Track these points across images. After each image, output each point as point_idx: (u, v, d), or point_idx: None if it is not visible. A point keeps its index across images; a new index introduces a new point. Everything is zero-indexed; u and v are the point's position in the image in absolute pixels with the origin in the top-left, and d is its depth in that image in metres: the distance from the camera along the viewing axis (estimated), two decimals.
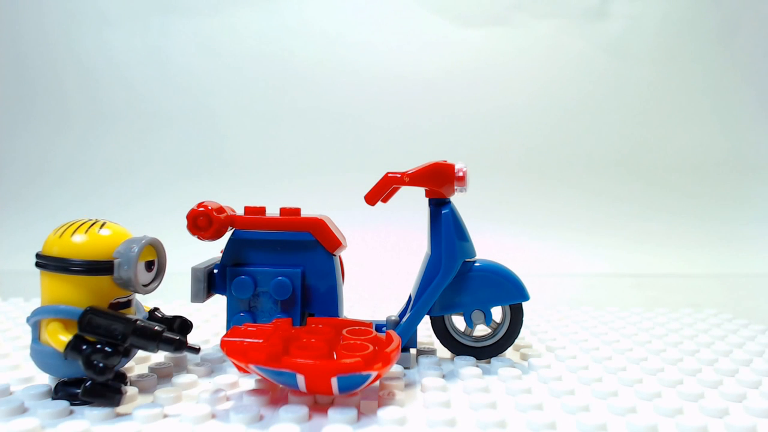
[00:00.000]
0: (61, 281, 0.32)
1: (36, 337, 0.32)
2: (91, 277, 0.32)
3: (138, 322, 0.31)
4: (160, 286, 0.35)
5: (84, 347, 0.30)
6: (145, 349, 0.31)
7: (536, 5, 1.10)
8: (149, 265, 0.34)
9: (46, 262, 0.32)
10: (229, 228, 0.41)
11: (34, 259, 0.33)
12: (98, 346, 0.30)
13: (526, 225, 1.04)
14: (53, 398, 0.32)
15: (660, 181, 1.09)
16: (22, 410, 0.31)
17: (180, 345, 0.32)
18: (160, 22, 1.10)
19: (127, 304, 0.33)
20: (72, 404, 0.31)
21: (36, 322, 0.32)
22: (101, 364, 0.30)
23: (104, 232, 0.33)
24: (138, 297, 0.36)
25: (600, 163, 1.09)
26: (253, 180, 1.06)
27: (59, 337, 0.30)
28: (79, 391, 0.31)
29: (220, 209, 0.41)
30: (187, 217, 0.40)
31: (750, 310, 0.64)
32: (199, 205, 0.40)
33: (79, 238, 0.32)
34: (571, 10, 1.10)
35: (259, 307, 0.40)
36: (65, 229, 0.33)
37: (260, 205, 0.42)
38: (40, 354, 0.32)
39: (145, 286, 0.33)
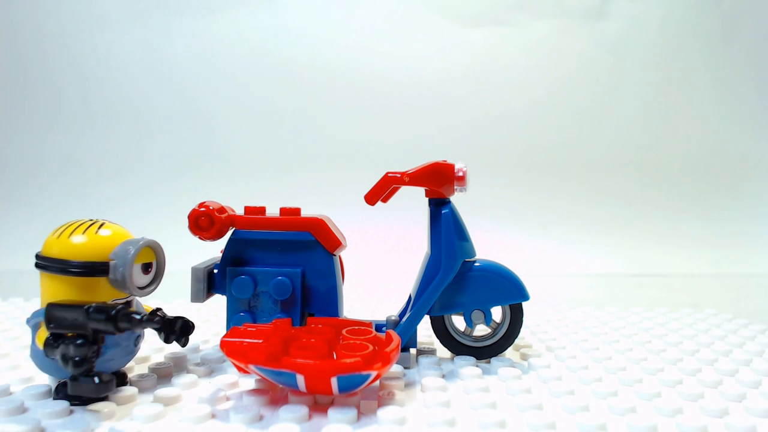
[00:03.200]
0: (60, 282, 0.31)
1: (35, 339, 0.32)
2: (90, 278, 0.31)
3: (94, 305, 0.30)
4: (158, 288, 0.35)
5: (56, 342, 0.29)
6: (109, 331, 0.29)
7: (536, 5, 1.10)
8: (146, 268, 0.33)
9: (45, 263, 0.32)
10: (230, 228, 0.41)
11: (32, 259, 0.32)
12: (68, 338, 0.29)
13: (526, 225, 1.04)
14: (54, 398, 0.32)
15: (660, 181, 1.08)
16: (22, 410, 0.31)
17: (150, 320, 0.30)
18: (155, 21, 1.10)
19: (128, 305, 0.33)
20: (72, 404, 0.31)
21: (36, 323, 0.32)
22: (76, 357, 0.29)
23: (104, 232, 0.32)
24: (140, 299, 0.36)
25: (599, 163, 1.09)
26: (253, 180, 1.06)
27: (42, 337, 0.30)
28: None
29: (222, 209, 0.41)
30: (189, 217, 0.40)
31: (750, 310, 0.64)
32: (201, 205, 0.40)
33: (78, 239, 0.32)
34: (572, 10, 1.10)
35: (259, 307, 0.40)
36: (64, 230, 0.32)
37: (260, 205, 0.42)
38: (40, 355, 0.31)
39: (141, 288, 0.33)
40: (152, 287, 0.34)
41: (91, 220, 0.33)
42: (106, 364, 0.32)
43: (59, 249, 0.31)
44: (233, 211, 0.42)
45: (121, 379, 0.34)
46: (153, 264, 0.34)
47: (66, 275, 0.31)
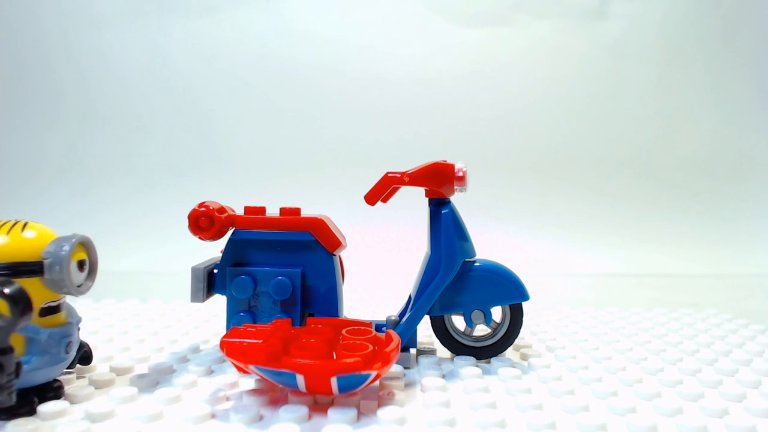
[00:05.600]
0: None
1: None
2: (18, 280, 0.28)
3: None
4: (93, 285, 0.33)
5: None
6: None
7: (536, 5, 1.10)
8: (81, 265, 0.31)
9: None
10: (230, 228, 0.41)
11: None
12: None
13: (526, 225, 1.04)
14: None
15: (660, 181, 1.09)
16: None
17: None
18: (156, 21, 1.10)
19: (57, 309, 0.31)
20: None
21: None
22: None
23: (28, 233, 0.31)
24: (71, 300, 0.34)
25: (599, 163, 1.09)
26: (253, 180, 1.06)
27: None
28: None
29: (222, 209, 0.41)
30: (189, 217, 0.40)
31: (750, 310, 0.64)
32: (201, 205, 0.40)
33: (1, 239, 0.30)
34: (571, 10, 1.10)
35: (259, 307, 0.40)
36: None
37: (260, 205, 0.42)
38: None
39: (78, 287, 0.31)
40: (88, 284, 0.32)
41: (12, 220, 0.31)
42: (31, 376, 0.30)
43: None
44: (233, 211, 0.42)
45: (55, 392, 0.32)
46: (86, 261, 0.32)
47: None
